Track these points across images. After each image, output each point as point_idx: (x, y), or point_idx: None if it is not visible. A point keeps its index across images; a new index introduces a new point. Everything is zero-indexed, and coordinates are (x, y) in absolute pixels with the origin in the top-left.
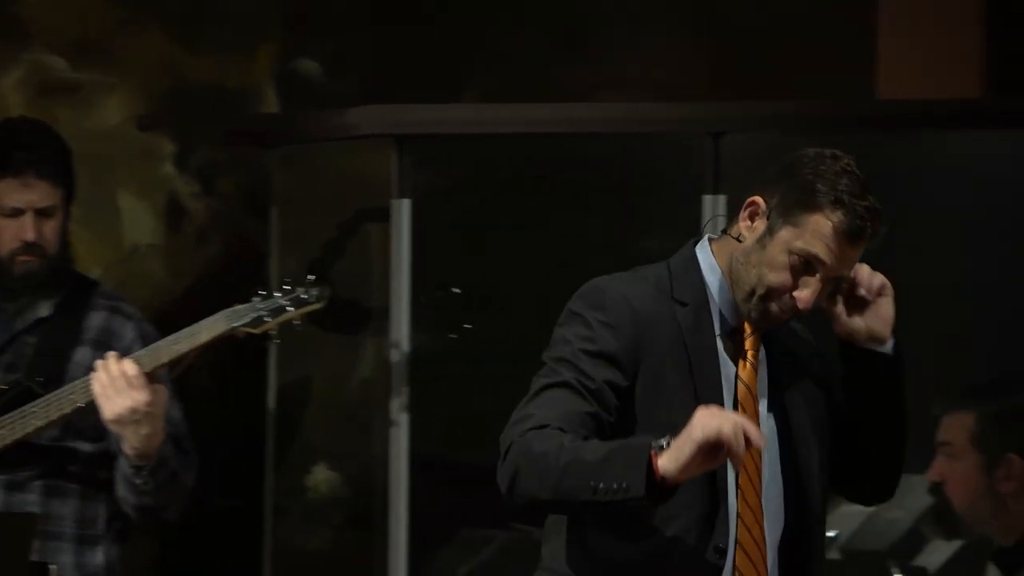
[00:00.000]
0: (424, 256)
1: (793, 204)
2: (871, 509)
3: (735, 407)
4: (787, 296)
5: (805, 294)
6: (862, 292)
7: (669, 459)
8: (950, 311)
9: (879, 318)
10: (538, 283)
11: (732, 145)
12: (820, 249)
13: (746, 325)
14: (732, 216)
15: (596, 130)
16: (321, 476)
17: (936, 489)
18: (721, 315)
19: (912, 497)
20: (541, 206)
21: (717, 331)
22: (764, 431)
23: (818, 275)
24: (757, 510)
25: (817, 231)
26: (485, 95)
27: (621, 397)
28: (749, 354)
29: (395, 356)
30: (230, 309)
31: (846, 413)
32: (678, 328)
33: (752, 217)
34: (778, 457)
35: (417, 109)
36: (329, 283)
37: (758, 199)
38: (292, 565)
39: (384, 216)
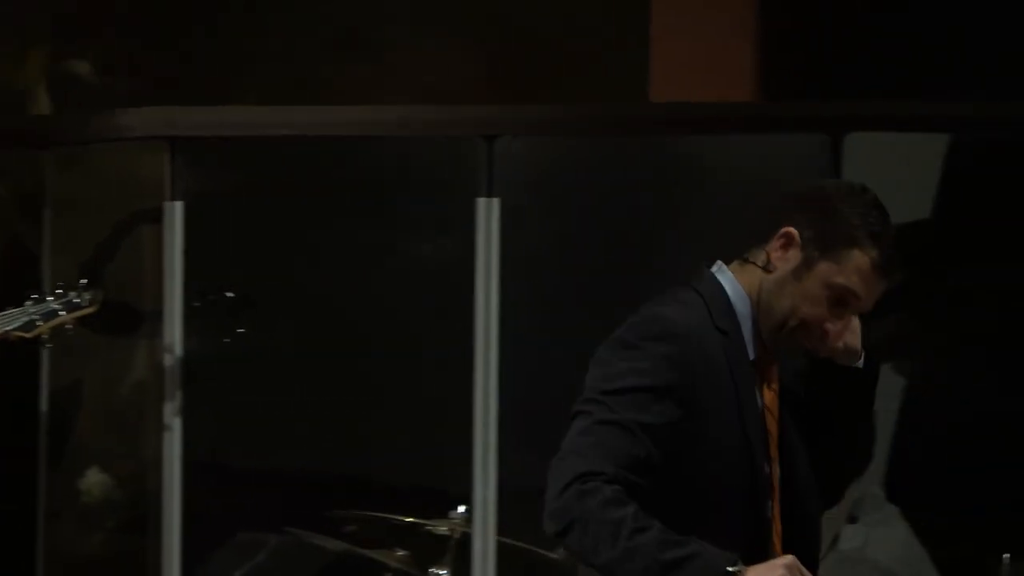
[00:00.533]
0: (197, 259)
1: (833, 239)
2: None
3: (764, 436)
4: (817, 328)
5: (836, 327)
6: None
7: None
8: None
9: (852, 332)
10: (312, 286)
11: (506, 148)
12: (858, 285)
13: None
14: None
15: (370, 132)
16: (94, 480)
17: None
18: (753, 342)
19: None
20: (316, 209)
21: (751, 357)
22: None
23: (850, 309)
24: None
25: (857, 267)
26: (260, 97)
27: (675, 430)
28: (773, 383)
29: (168, 359)
30: (1, 313)
31: (814, 425)
32: (724, 357)
33: (786, 248)
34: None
35: (191, 111)
36: (102, 287)
37: (792, 231)
38: (66, 570)
39: (158, 218)
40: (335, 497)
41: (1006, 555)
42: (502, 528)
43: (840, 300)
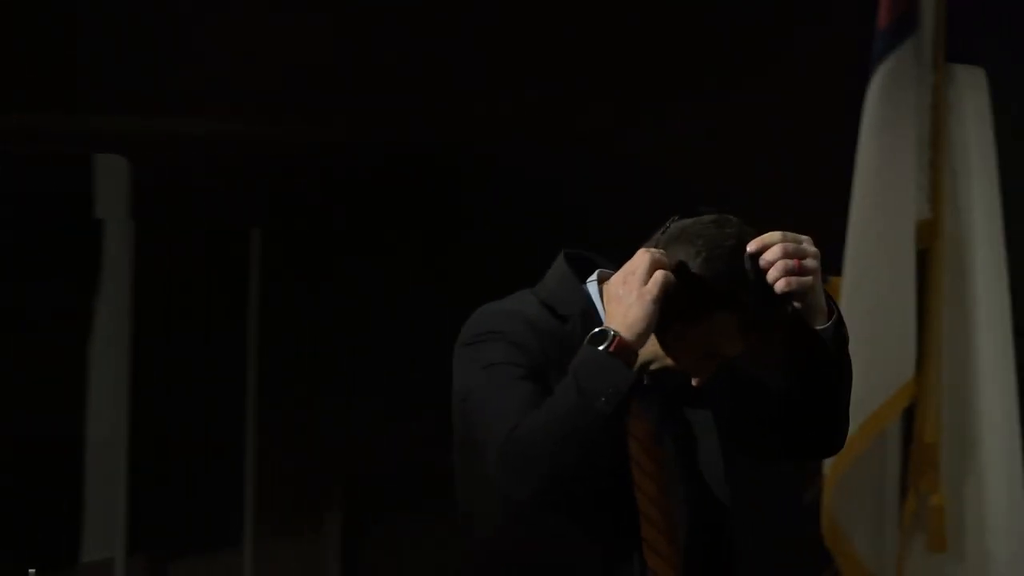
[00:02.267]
0: None
1: (697, 303)
2: None
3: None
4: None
5: (702, 376)
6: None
7: (626, 329)
8: None
9: (815, 291)
10: None
11: None
12: (725, 344)
13: None
14: None
15: None
16: None
17: None
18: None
19: None
20: None
21: None
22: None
23: (720, 357)
24: (663, 508)
25: (720, 329)
26: None
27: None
28: None
29: None
30: None
31: (782, 378)
32: (567, 340)
33: None
34: (674, 453)
35: None
36: None
37: None
38: None
39: None
40: None
41: (31, 570)
42: None
43: (708, 354)
